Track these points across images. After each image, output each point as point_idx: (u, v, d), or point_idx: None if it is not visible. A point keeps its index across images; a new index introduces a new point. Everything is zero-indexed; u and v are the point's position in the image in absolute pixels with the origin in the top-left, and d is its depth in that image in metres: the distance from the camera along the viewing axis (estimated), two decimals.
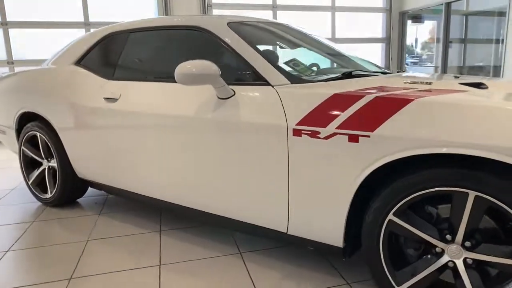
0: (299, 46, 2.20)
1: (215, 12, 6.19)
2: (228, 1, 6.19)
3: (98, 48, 2.48)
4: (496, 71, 6.22)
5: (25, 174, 2.92)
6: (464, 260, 1.33)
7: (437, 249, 1.38)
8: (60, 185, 2.66)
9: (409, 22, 6.97)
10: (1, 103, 3.01)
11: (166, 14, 5.91)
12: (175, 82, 1.95)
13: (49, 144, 2.64)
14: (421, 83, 1.61)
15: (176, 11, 5.95)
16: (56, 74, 2.58)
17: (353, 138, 1.39)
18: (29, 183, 2.89)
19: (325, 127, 1.45)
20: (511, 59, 4.95)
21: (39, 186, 2.89)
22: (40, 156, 2.81)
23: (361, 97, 1.43)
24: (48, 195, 2.78)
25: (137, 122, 2.02)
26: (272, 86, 1.66)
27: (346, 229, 1.53)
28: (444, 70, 6.19)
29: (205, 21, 2.00)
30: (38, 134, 2.71)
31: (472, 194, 1.24)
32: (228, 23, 1.97)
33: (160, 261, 1.96)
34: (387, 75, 1.96)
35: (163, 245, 2.14)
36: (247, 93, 1.70)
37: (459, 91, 1.45)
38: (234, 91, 1.73)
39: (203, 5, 6.02)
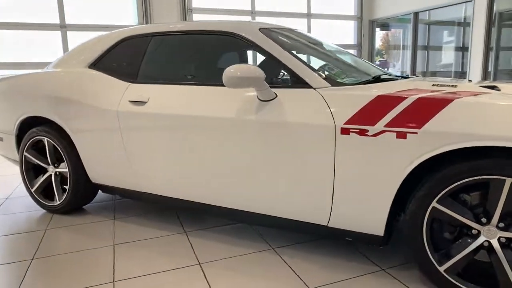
0: (319, 51, 2.34)
1: (195, 17, 6.21)
2: (208, 6, 6.24)
3: (115, 52, 2.46)
4: (456, 76, 6.80)
5: (27, 182, 2.80)
6: (498, 239, 1.53)
7: (473, 231, 1.56)
8: (71, 191, 2.59)
9: (377, 29, 7.43)
10: None
11: (146, 18, 5.84)
12: (211, 85, 2.02)
13: (60, 149, 2.57)
14: (448, 85, 1.81)
15: (156, 16, 5.90)
16: (68, 77, 2.52)
17: (401, 135, 1.55)
18: (32, 190, 2.78)
19: (373, 125, 1.59)
20: (475, 65, 5.46)
21: (43, 193, 2.79)
22: (46, 162, 2.72)
23: (404, 98, 1.59)
24: (56, 202, 2.69)
25: (172, 124, 2.05)
26: (314, 89, 1.78)
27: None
28: (413, 74, 6.66)
29: (237, 26, 2.08)
30: (45, 139, 2.62)
31: (508, 181, 1.44)
32: (259, 29, 2.07)
33: (198, 260, 2.01)
34: (409, 79, 2.15)
35: (193, 246, 2.18)
36: (290, 95, 1.81)
37: (484, 92, 1.65)
38: (276, 94, 1.83)
39: (183, 10, 6.02)
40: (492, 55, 5.71)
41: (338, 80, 1.86)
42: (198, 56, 2.20)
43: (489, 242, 1.54)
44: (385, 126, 1.57)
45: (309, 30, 6.93)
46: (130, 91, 2.25)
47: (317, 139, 1.70)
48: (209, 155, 1.99)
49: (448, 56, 7.20)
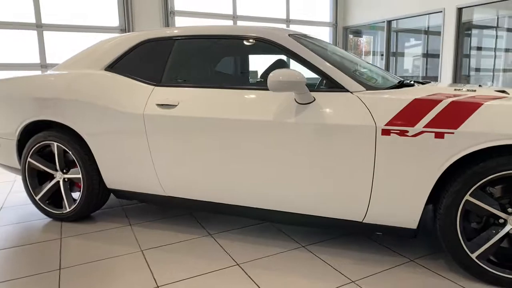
0: (341, 56, 2.46)
1: (177, 19, 6.16)
2: (191, 9, 6.21)
3: (134, 54, 2.43)
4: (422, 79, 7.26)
5: (30, 189, 2.66)
6: None
7: (500, 220, 1.74)
8: (85, 198, 2.51)
9: (350, 36, 7.77)
10: None
11: (127, 20, 5.71)
12: (245, 89, 2.07)
13: (72, 154, 2.48)
14: (468, 90, 2.00)
15: (137, 18, 5.78)
16: (85, 80, 2.44)
17: (439, 135, 1.69)
18: (37, 198, 2.65)
19: (413, 126, 1.73)
20: (445, 71, 5.90)
21: (48, 201, 2.67)
22: (54, 168, 2.61)
23: (439, 101, 1.74)
24: (66, 209, 2.58)
25: (207, 127, 2.06)
26: (351, 93, 1.89)
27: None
28: None
29: (269, 32, 2.14)
30: (55, 144, 2.52)
31: None
32: (289, 35, 2.15)
33: (235, 261, 2.03)
34: (427, 84, 2.33)
35: (224, 247, 2.20)
36: (328, 98, 1.90)
37: (502, 97, 1.85)
38: (314, 97, 1.91)
39: (165, 12, 5.95)
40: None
41: (370, 84, 1.98)
42: (229, 60, 2.23)
43: None
44: (424, 127, 1.71)
45: None
46: (156, 94, 2.24)
47: (358, 140, 1.81)
48: (247, 157, 2.03)
49: (413, 62, 7.67)
